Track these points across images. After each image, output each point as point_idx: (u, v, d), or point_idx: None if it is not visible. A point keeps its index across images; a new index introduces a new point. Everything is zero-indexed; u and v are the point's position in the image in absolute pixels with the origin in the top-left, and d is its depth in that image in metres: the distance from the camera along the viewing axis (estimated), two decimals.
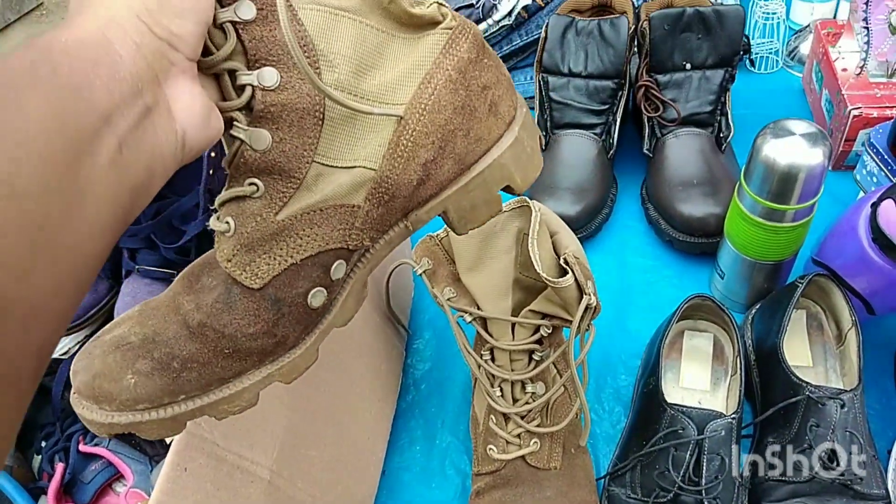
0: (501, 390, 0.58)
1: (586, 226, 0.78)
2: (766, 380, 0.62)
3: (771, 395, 0.60)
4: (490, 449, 0.59)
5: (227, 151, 0.36)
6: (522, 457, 0.59)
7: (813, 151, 0.58)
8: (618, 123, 0.80)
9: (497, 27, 0.89)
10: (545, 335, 0.56)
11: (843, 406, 0.56)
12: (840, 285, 0.62)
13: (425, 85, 0.38)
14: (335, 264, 0.39)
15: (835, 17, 0.99)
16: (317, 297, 0.39)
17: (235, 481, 0.51)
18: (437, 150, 0.39)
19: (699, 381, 0.65)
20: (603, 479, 0.62)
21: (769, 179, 0.60)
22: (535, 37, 0.92)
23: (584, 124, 0.80)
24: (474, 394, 0.64)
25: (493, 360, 0.58)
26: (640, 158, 0.84)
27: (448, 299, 0.57)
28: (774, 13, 0.93)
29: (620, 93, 0.79)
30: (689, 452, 0.56)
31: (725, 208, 0.72)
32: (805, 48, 0.94)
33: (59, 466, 0.71)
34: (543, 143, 0.82)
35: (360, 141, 0.37)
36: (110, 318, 0.71)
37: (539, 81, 0.81)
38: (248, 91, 0.34)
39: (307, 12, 0.34)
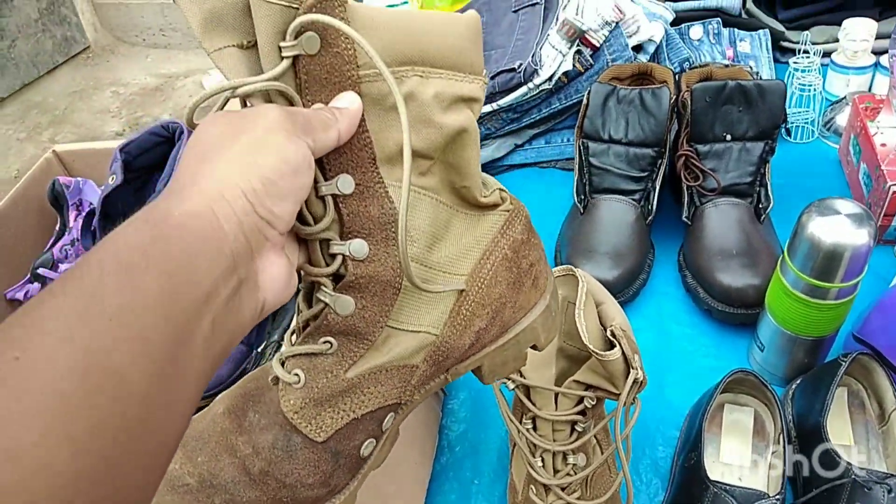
0: (543, 460, 0.58)
1: (623, 291, 0.78)
2: (808, 457, 0.61)
3: (814, 475, 0.60)
4: None
5: (300, 309, 0.39)
6: None
7: (858, 232, 0.59)
8: (657, 190, 0.81)
9: (537, 90, 0.91)
10: (589, 406, 0.56)
11: (889, 492, 0.55)
12: (883, 365, 0.61)
13: (484, 261, 0.42)
14: (387, 417, 0.41)
15: (870, 90, 1.00)
16: (367, 448, 0.41)
17: None
18: (489, 320, 0.43)
19: (739, 457, 0.64)
20: None
21: (813, 257, 0.60)
22: (574, 101, 0.94)
23: (623, 190, 0.81)
24: (512, 461, 0.64)
25: (534, 429, 0.58)
26: (677, 225, 0.85)
27: None
28: (811, 85, 0.95)
29: (660, 160, 0.80)
30: None
31: (764, 279, 0.72)
32: (841, 119, 0.95)
33: None
34: (582, 207, 0.83)
35: (427, 308, 0.40)
36: None
37: (579, 146, 0.82)
38: (339, 260, 0.36)
39: (395, 189, 0.37)
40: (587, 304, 0.53)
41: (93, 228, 0.72)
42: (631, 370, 0.52)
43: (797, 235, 0.62)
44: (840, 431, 0.63)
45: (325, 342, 0.38)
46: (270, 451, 0.38)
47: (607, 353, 0.51)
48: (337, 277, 0.37)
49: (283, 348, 0.40)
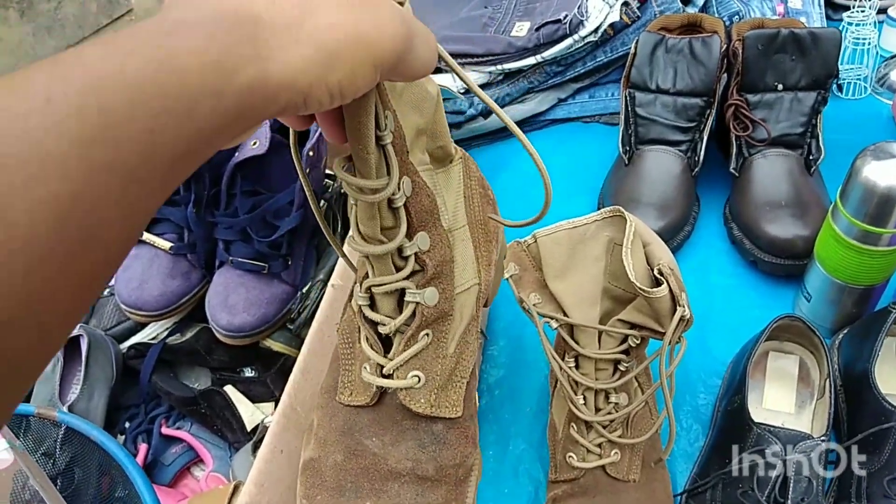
0: (585, 398, 0.58)
1: (668, 242, 0.77)
2: (853, 406, 0.61)
3: (859, 421, 0.59)
4: (570, 457, 0.59)
5: (382, 322, 0.41)
6: (602, 466, 0.59)
7: None
8: (704, 141, 0.79)
9: (583, 42, 0.90)
10: (633, 346, 0.56)
11: None
12: None
13: (469, 203, 0.47)
14: (475, 365, 0.46)
15: None
16: (477, 398, 0.47)
17: None
18: (494, 248, 0.49)
19: (783, 404, 0.64)
20: (680, 496, 0.62)
21: (867, 202, 0.59)
22: (620, 53, 0.93)
23: (670, 141, 0.80)
24: (553, 401, 0.64)
25: (577, 367, 0.58)
26: (722, 178, 0.83)
27: (534, 304, 0.58)
28: (866, 39, 0.92)
29: (708, 111, 0.79)
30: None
31: (813, 231, 0.71)
32: None
33: (143, 447, 0.73)
34: (627, 159, 0.82)
35: (464, 264, 0.45)
36: (200, 306, 0.74)
37: (626, 97, 0.81)
38: (413, 259, 0.40)
39: (427, 175, 0.41)
40: (634, 244, 0.53)
41: None
42: (678, 308, 0.52)
43: (851, 180, 0.60)
44: (889, 381, 0.62)
45: (424, 335, 0.41)
46: (424, 449, 0.42)
47: (654, 290, 0.51)
48: (423, 274, 0.41)
49: (371, 366, 0.42)
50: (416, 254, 0.39)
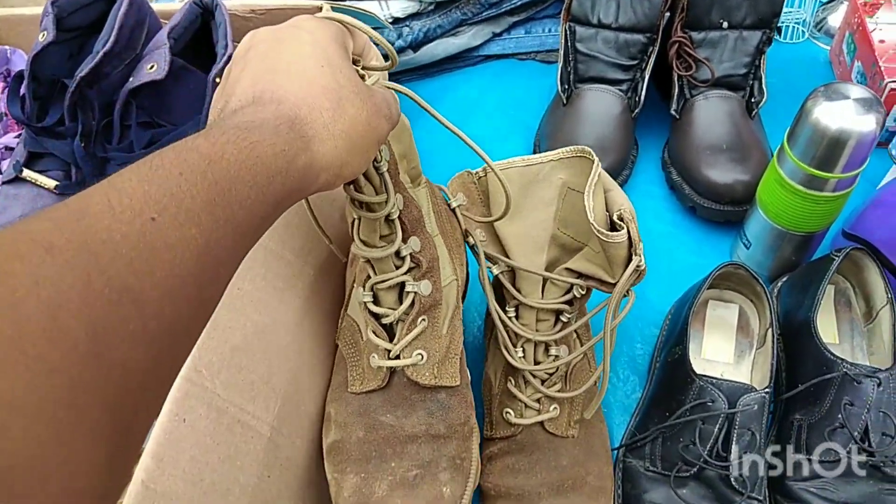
0: (524, 350, 0.54)
1: None
2: (793, 355, 0.60)
3: (799, 372, 0.58)
4: (507, 413, 0.56)
5: (385, 314, 0.50)
6: (541, 423, 0.55)
7: (866, 118, 0.55)
8: (646, 80, 0.76)
9: None
10: (577, 296, 0.52)
11: (879, 385, 0.53)
12: (876, 260, 0.59)
13: (437, 216, 0.55)
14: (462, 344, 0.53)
15: None
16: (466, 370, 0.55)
17: (235, 436, 0.46)
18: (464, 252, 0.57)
19: (722, 354, 0.62)
20: (618, 450, 0.59)
21: (816, 144, 0.57)
22: None
23: (610, 79, 0.75)
24: (488, 354, 0.60)
25: (517, 317, 0.54)
26: (661, 121, 0.80)
27: (480, 241, 0.53)
28: None
29: (651, 48, 0.74)
30: (717, 426, 0.53)
31: (754, 176, 0.69)
32: (834, 20, 0.91)
33: None
34: (565, 98, 0.77)
35: (444, 264, 0.53)
36: None
37: (565, 31, 0.76)
38: (408, 259, 0.49)
39: (412, 190, 0.51)
40: (597, 187, 0.48)
41: (21, 94, 0.63)
42: (633, 257, 0.48)
43: (800, 121, 0.58)
44: (826, 329, 0.61)
45: (421, 320, 0.50)
46: (433, 415, 0.50)
47: (613, 234, 0.47)
48: (408, 272, 0.49)
49: (380, 352, 0.50)
50: (410, 254, 0.48)
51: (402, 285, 0.49)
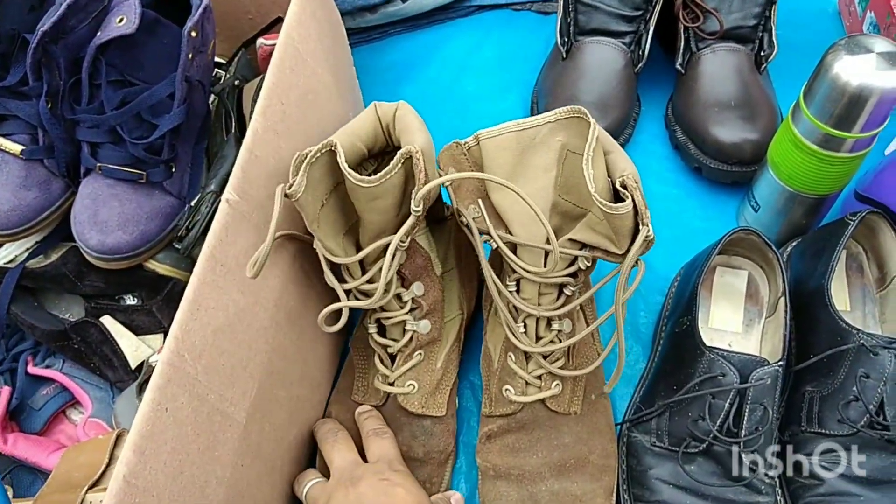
0: (525, 326, 0.51)
1: None
2: (804, 324, 0.57)
3: (811, 341, 0.55)
4: (506, 390, 0.53)
5: (387, 344, 0.55)
6: (542, 400, 0.53)
7: (890, 74, 0.51)
8: (650, 34, 0.71)
9: None
10: (582, 268, 0.49)
11: None
12: (893, 225, 0.56)
13: (457, 251, 0.60)
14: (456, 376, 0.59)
15: None
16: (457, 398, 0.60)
17: (214, 425, 0.44)
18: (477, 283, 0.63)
19: (730, 323, 0.60)
20: (622, 425, 0.57)
21: (835, 101, 0.53)
22: None
23: (613, 31, 0.71)
24: (487, 328, 0.57)
25: (518, 291, 0.51)
26: (664, 78, 0.76)
27: (474, 218, 0.50)
28: None
29: None
30: (728, 401, 0.51)
31: (763, 135, 0.65)
32: None
33: (5, 390, 0.62)
34: (564, 51, 0.73)
35: (450, 300, 0.59)
36: (65, 222, 0.61)
37: None
38: (410, 301, 0.53)
39: (424, 235, 0.55)
40: (596, 151, 0.45)
41: None
42: (641, 227, 0.45)
43: (819, 77, 0.54)
44: (838, 296, 0.59)
45: (418, 355, 0.55)
46: (416, 439, 0.55)
47: (617, 205, 0.43)
48: (418, 311, 0.54)
49: (381, 377, 0.56)
50: (412, 298, 0.53)
51: (404, 322, 0.53)
